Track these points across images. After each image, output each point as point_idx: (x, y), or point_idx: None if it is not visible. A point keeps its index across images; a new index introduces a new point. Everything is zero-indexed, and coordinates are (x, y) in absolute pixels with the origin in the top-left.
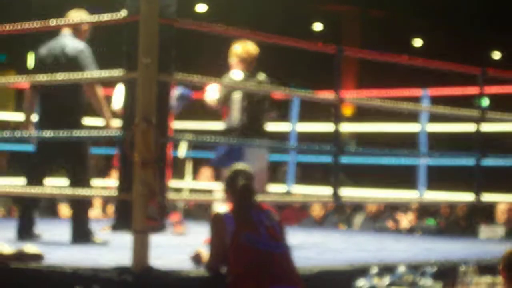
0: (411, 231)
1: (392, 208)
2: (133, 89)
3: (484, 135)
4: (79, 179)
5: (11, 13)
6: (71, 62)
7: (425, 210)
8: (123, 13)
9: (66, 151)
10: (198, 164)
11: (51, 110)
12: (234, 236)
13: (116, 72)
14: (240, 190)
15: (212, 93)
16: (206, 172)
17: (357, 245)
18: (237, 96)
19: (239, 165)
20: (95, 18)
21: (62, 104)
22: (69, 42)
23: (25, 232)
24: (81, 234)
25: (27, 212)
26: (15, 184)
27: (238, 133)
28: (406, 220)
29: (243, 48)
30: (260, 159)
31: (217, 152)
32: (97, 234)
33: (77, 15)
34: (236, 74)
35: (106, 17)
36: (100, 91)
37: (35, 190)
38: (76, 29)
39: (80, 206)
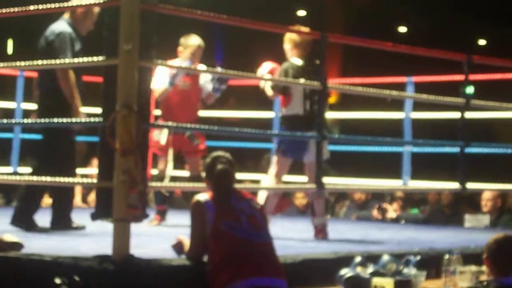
0: (396, 220)
1: (378, 198)
2: (113, 75)
3: (469, 123)
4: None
5: None
6: (49, 46)
7: (410, 199)
8: None
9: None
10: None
11: (38, 97)
12: (214, 224)
13: (97, 58)
14: (218, 175)
15: (267, 86)
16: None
17: (340, 234)
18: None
19: (218, 152)
20: (75, 2)
21: (45, 90)
22: (52, 27)
23: (59, 222)
24: (61, 221)
25: (61, 203)
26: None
27: (304, 121)
28: (391, 210)
29: (288, 39)
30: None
31: (281, 143)
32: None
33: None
34: (295, 60)
35: (86, 2)
36: (71, 77)
37: (13, 177)
38: (72, 14)
39: (62, 194)
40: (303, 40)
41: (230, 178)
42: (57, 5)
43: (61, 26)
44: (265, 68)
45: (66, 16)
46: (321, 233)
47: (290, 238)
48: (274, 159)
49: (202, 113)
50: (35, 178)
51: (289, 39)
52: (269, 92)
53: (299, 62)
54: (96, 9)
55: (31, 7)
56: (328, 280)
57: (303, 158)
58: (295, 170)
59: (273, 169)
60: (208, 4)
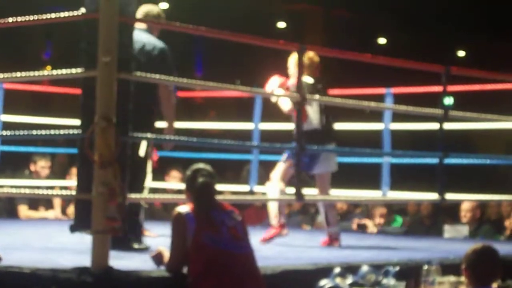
0: (377, 233)
1: (358, 210)
2: (92, 87)
3: (448, 134)
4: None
5: None
6: (154, 61)
7: (391, 210)
8: (81, 10)
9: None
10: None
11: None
12: (195, 236)
13: (75, 70)
14: (199, 187)
15: (283, 101)
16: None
17: (320, 245)
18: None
19: (199, 164)
20: (53, 16)
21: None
22: (146, 39)
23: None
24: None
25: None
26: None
27: (321, 135)
28: (371, 225)
29: (306, 56)
30: (333, 162)
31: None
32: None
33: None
34: (307, 79)
35: (64, 14)
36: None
37: None
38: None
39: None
40: (311, 61)
41: (211, 191)
42: (36, 17)
43: (156, 40)
44: (275, 83)
45: (141, 26)
46: (336, 241)
47: (270, 249)
48: (281, 165)
49: (183, 124)
50: (14, 190)
51: (310, 58)
52: (286, 107)
53: (310, 80)
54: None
55: (10, 19)
56: None
57: (314, 170)
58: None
59: (277, 174)
60: (188, 16)
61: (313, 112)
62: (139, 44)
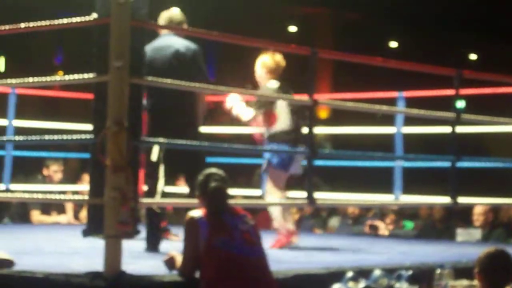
0: (389, 236)
1: (372, 213)
2: (104, 92)
3: (460, 137)
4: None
5: None
6: (187, 63)
7: (403, 214)
8: (93, 15)
9: (187, 159)
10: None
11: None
12: (207, 241)
13: (87, 75)
14: (211, 192)
15: (243, 110)
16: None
17: (332, 249)
18: (281, 101)
19: (211, 169)
20: (65, 21)
21: (180, 109)
22: (180, 42)
23: (153, 244)
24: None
25: (155, 224)
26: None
27: (293, 135)
28: (383, 227)
29: (272, 59)
30: (300, 164)
31: (274, 158)
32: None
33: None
34: (272, 83)
35: (76, 20)
36: None
37: (5, 195)
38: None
39: (154, 215)
40: (277, 65)
41: (223, 195)
42: (47, 23)
43: (188, 41)
44: (233, 100)
45: (166, 32)
46: (288, 239)
47: (282, 253)
48: (268, 175)
49: None
50: (27, 195)
51: (263, 65)
52: (247, 116)
53: (275, 84)
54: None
55: (22, 25)
56: None
57: (290, 170)
58: (286, 186)
59: (270, 184)
60: (199, 20)
61: (282, 114)
62: (172, 49)
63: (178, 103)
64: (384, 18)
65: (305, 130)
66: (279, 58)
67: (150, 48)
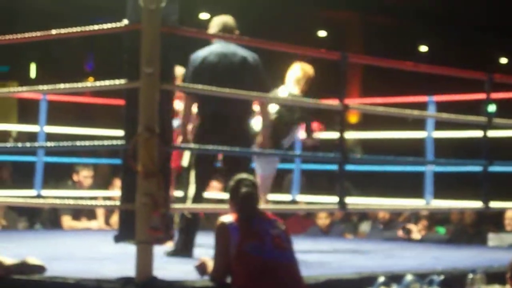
0: (421, 241)
1: (403, 218)
2: (135, 98)
3: (491, 141)
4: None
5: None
6: (251, 73)
7: (434, 219)
8: (124, 22)
9: (234, 165)
10: None
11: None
12: (238, 246)
13: (118, 82)
14: (242, 198)
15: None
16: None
17: (364, 254)
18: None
19: (242, 174)
20: (96, 27)
21: (238, 117)
22: (242, 51)
23: (185, 249)
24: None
25: (189, 229)
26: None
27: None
28: (416, 230)
29: (302, 69)
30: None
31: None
32: None
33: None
34: (294, 90)
35: (107, 26)
36: None
37: (37, 201)
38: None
39: (188, 220)
40: (306, 75)
41: (254, 201)
42: (78, 29)
43: (249, 51)
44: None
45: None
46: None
47: (313, 258)
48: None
49: None
50: (58, 201)
51: (305, 72)
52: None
53: (284, 93)
54: None
55: (53, 31)
56: None
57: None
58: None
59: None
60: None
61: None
62: (239, 57)
63: (236, 110)
64: (414, 22)
65: (335, 135)
66: (307, 68)
67: (209, 52)
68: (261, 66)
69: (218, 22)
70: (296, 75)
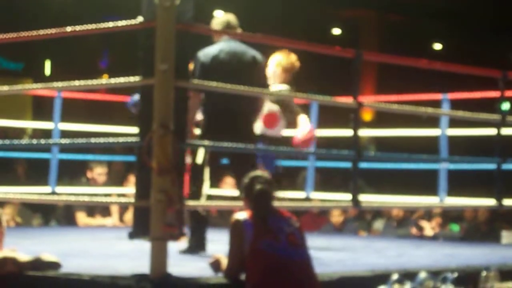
0: (434, 238)
1: (416, 216)
2: (150, 95)
3: (505, 139)
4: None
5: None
6: (256, 70)
7: (448, 216)
8: (139, 19)
9: (238, 161)
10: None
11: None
12: (253, 243)
13: (133, 79)
14: (257, 195)
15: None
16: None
17: (377, 251)
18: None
19: (256, 171)
20: (111, 25)
21: (248, 114)
22: (247, 49)
23: (199, 245)
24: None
25: (199, 228)
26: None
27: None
28: (429, 227)
29: (287, 59)
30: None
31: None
32: None
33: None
34: (280, 87)
35: (122, 23)
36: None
37: (51, 197)
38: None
39: (199, 217)
40: (292, 64)
41: (268, 198)
42: (93, 26)
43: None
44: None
45: (226, 38)
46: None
47: (327, 255)
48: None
49: None
50: (72, 198)
51: (279, 64)
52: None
53: (285, 87)
54: None
55: (68, 29)
56: None
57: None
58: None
59: None
60: (241, 22)
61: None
62: (249, 55)
63: (245, 107)
64: (429, 20)
65: (350, 132)
66: (294, 59)
67: (219, 50)
68: (264, 66)
69: (221, 20)
70: (274, 72)
